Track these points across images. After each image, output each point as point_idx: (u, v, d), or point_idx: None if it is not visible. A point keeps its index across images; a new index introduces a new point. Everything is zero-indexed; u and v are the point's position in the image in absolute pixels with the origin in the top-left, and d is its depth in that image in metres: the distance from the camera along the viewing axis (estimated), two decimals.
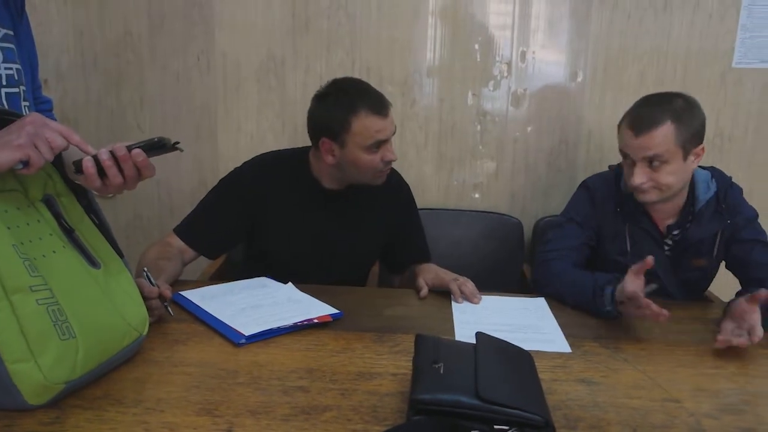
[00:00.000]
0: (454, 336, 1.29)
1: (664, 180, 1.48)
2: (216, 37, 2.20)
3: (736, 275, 1.59)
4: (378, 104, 1.51)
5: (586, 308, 1.43)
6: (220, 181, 1.67)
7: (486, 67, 2.19)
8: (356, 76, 2.17)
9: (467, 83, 2.20)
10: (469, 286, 1.51)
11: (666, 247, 1.60)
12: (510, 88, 2.20)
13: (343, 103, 1.51)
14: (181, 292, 1.41)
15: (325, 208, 1.65)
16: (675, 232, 1.59)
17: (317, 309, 1.33)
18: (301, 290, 1.46)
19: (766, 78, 2.14)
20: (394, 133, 1.56)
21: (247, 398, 1.00)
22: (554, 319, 1.40)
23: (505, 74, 2.19)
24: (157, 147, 1.03)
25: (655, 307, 1.24)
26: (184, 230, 1.61)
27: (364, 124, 1.49)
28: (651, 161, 1.46)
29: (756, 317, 1.23)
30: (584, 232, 1.64)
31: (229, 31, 2.19)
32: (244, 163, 1.69)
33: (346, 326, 1.30)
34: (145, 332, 1.11)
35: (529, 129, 2.23)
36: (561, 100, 2.20)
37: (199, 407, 0.96)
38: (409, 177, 2.25)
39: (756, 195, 2.18)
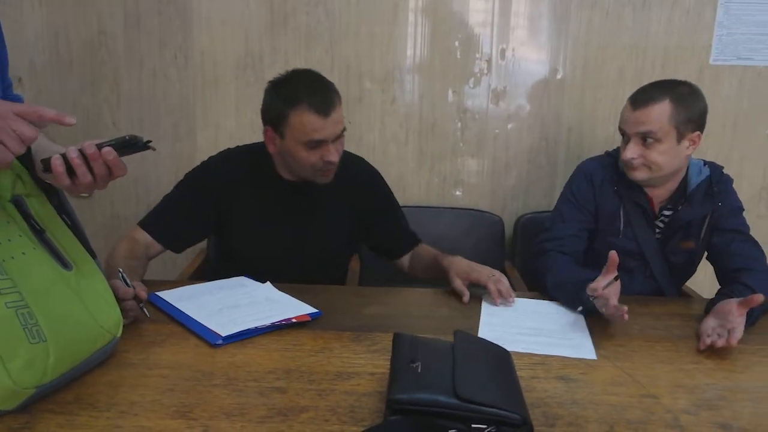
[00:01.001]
0: (435, 335, 1.28)
1: (654, 158, 1.50)
2: (193, 34, 2.17)
3: (714, 264, 1.61)
4: (320, 103, 1.44)
5: (568, 304, 1.44)
6: (185, 175, 1.65)
7: (466, 64, 2.18)
8: (335, 72, 2.18)
9: (447, 80, 2.20)
10: (505, 283, 1.48)
11: (657, 230, 1.62)
12: (490, 85, 2.20)
13: (286, 94, 1.48)
14: (158, 293, 1.39)
15: (288, 200, 1.63)
16: (666, 213, 1.61)
17: (295, 308, 1.32)
18: (279, 290, 1.45)
19: (742, 74, 2.16)
20: (340, 135, 1.51)
21: (222, 400, 0.98)
22: (586, 325, 1.35)
23: (485, 71, 2.19)
24: (129, 145, 1.01)
25: (612, 307, 1.26)
26: (150, 224, 1.58)
27: (302, 120, 1.45)
28: (645, 138, 1.49)
29: (741, 320, 1.24)
30: (582, 215, 1.65)
31: (206, 28, 2.17)
32: (210, 157, 1.68)
33: (324, 326, 1.28)
34: (118, 334, 1.09)
35: (509, 126, 2.23)
36: (541, 97, 2.20)
37: (173, 410, 0.95)
38: (389, 174, 2.24)
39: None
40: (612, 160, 1.67)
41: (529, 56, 2.18)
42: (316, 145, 1.48)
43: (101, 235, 2.28)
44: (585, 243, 1.65)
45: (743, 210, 1.61)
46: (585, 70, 2.17)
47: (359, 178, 1.71)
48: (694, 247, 1.62)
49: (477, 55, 2.17)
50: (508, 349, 1.08)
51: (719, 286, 1.51)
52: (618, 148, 1.63)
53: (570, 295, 1.43)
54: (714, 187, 1.59)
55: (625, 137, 1.54)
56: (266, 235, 1.63)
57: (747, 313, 1.26)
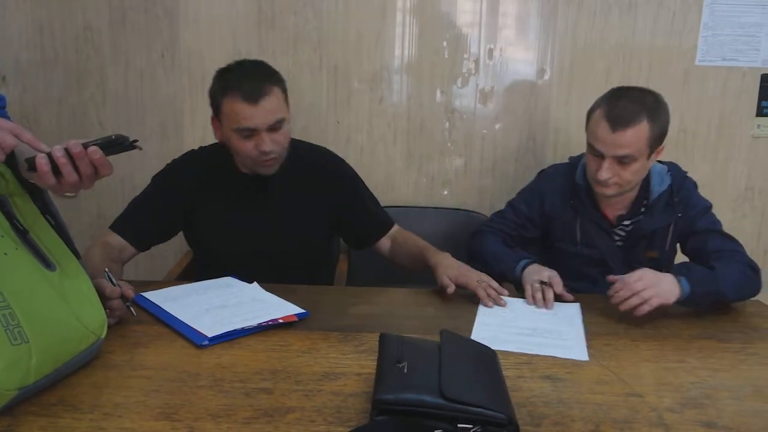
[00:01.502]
0: (422, 335, 1.28)
1: (627, 177, 1.50)
2: (180, 33, 2.16)
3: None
4: (249, 90, 1.45)
5: (498, 271, 1.54)
6: (152, 177, 1.68)
7: (454, 64, 2.19)
8: (323, 72, 2.18)
9: (435, 80, 2.20)
10: (494, 285, 1.48)
11: (617, 238, 1.63)
12: (478, 85, 2.20)
13: (222, 82, 1.51)
14: (143, 293, 1.38)
15: (251, 195, 1.63)
16: (626, 223, 1.62)
17: (282, 309, 1.32)
18: (267, 290, 1.44)
19: (727, 75, 2.18)
20: (275, 125, 1.50)
21: (208, 401, 0.98)
22: (582, 326, 1.35)
23: (473, 71, 2.19)
24: (115, 145, 1.00)
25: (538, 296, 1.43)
26: (121, 226, 1.60)
27: (232, 107, 1.47)
28: (621, 159, 1.47)
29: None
30: (521, 223, 1.69)
31: (193, 27, 2.15)
32: (175, 159, 1.70)
33: (311, 326, 1.28)
34: (103, 335, 1.08)
35: (497, 126, 2.23)
36: (528, 97, 2.21)
37: (158, 411, 0.94)
38: (377, 174, 2.25)
39: (718, 190, 2.23)
40: (571, 169, 1.66)
41: (517, 56, 2.18)
42: (249, 133, 1.49)
43: (87, 235, 2.25)
44: (515, 244, 1.69)
45: (711, 207, 1.62)
46: (572, 71, 2.18)
47: (324, 169, 1.71)
48: (658, 257, 1.63)
49: (465, 56, 2.18)
50: (502, 349, 1.09)
51: None
52: (581, 155, 1.64)
53: (507, 257, 1.55)
54: (675, 197, 1.59)
55: (596, 152, 1.50)
56: (233, 231, 1.63)
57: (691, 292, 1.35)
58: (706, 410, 1.01)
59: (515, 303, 1.47)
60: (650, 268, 1.62)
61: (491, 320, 1.37)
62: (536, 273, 1.49)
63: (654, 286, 1.33)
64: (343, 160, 1.77)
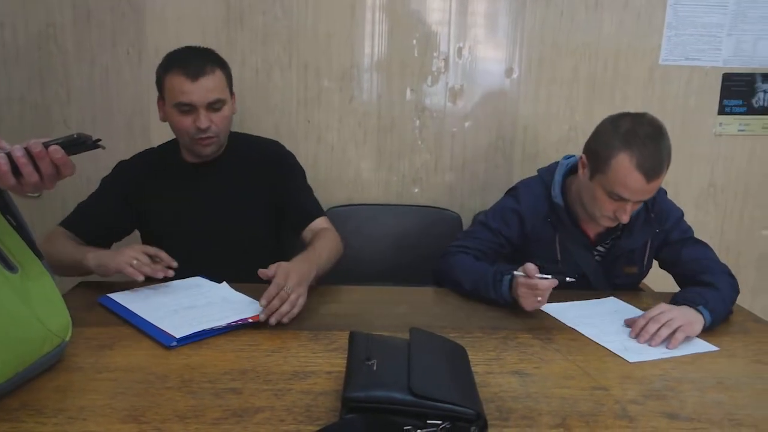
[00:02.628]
0: (393, 333, 1.28)
1: (633, 211, 1.49)
2: (146, 30, 2.13)
3: (670, 273, 1.62)
4: (189, 66, 1.53)
5: (484, 294, 1.46)
6: (101, 180, 1.73)
7: (424, 63, 2.19)
8: (293, 70, 2.17)
9: (405, 78, 2.20)
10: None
11: (596, 254, 1.62)
12: (448, 84, 2.21)
13: (166, 60, 1.60)
14: (109, 295, 1.36)
15: (196, 183, 1.67)
16: (607, 242, 1.61)
17: (252, 309, 1.31)
18: (237, 290, 1.43)
19: (689, 74, 2.23)
20: (214, 103, 1.55)
21: (176, 403, 0.97)
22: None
23: (443, 70, 2.20)
24: (77, 144, 0.98)
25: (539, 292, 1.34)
26: (72, 223, 1.63)
27: (172, 82, 1.54)
28: (641, 201, 1.46)
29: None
30: (497, 241, 1.62)
31: (160, 24, 2.12)
32: (122, 160, 1.75)
33: (281, 325, 1.27)
34: (67, 338, 1.06)
35: (466, 124, 2.25)
36: (497, 96, 2.23)
37: (124, 414, 0.93)
38: (348, 172, 2.25)
39: (681, 189, 2.28)
40: (545, 187, 1.62)
41: (486, 55, 2.20)
42: (188, 109, 1.54)
43: None
44: (488, 262, 1.61)
45: (683, 215, 1.63)
46: (540, 69, 2.21)
47: (264, 154, 1.74)
48: (637, 272, 1.64)
49: (435, 54, 2.19)
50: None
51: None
52: (551, 168, 1.64)
53: (486, 282, 1.45)
54: (651, 213, 1.58)
55: (618, 198, 1.43)
56: (181, 222, 1.65)
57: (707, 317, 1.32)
58: (669, 402, 1.04)
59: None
60: (629, 282, 1.65)
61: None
62: (519, 296, 1.40)
63: (681, 316, 1.28)
64: (283, 147, 1.79)
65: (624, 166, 1.39)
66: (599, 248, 1.62)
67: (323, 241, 1.57)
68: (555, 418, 0.97)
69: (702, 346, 1.27)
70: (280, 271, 1.29)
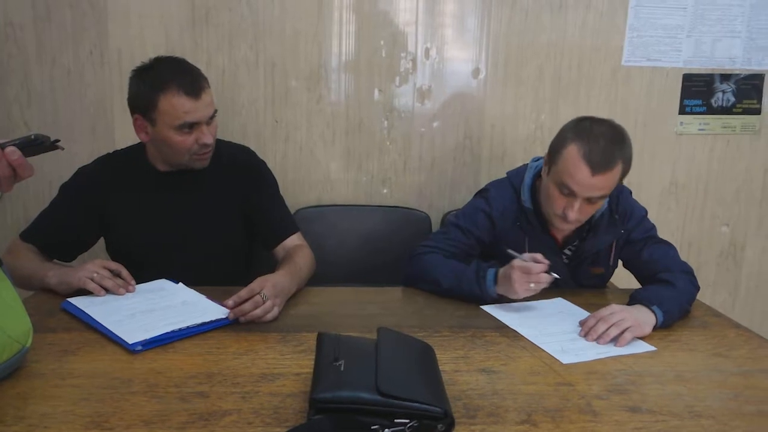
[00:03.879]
0: (361, 334, 1.29)
1: (591, 212, 1.50)
2: (109, 30, 2.09)
3: (632, 272, 1.65)
4: (188, 84, 1.47)
5: (467, 291, 1.46)
6: (60, 186, 1.65)
7: (392, 63, 2.20)
8: (260, 70, 2.15)
9: (373, 79, 2.21)
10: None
11: (564, 257, 1.64)
12: (416, 84, 2.22)
13: (153, 80, 1.49)
14: (70, 299, 1.33)
15: (167, 192, 1.61)
16: (574, 244, 1.62)
17: (214, 311, 1.29)
18: (204, 291, 1.41)
19: (651, 75, 2.28)
20: (212, 116, 1.54)
21: (141, 408, 0.95)
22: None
23: (411, 70, 2.21)
24: (34, 145, 0.96)
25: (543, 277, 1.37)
26: (33, 235, 1.57)
27: (172, 103, 1.46)
28: (591, 198, 1.45)
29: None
30: (467, 242, 1.62)
31: (123, 23, 2.09)
32: (85, 164, 1.68)
33: (249, 327, 1.27)
34: (28, 344, 1.04)
35: (435, 124, 2.26)
36: (464, 96, 2.25)
37: (87, 420, 0.91)
38: (317, 173, 2.25)
39: (644, 187, 2.33)
40: (515, 191, 1.63)
41: (453, 55, 2.21)
42: (190, 128, 1.49)
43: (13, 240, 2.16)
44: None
45: (646, 213, 1.65)
46: (506, 69, 2.23)
47: (242, 168, 1.69)
48: (603, 272, 1.66)
49: (403, 54, 2.19)
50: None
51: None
52: (519, 171, 1.65)
53: (468, 279, 1.46)
54: (615, 215, 1.59)
55: (567, 192, 1.44)
56: (149, 230, 1.60)
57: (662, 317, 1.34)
58: (631, 396, 1.06)
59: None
60: (596, 283, 1.67)
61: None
62: (511, 279, 1.41)
63: (630, 317, 1.30)
64: (255, 155, 1.76)
65: (572, 155, 1.42)
66: (566, 251, 1.64)
67: (304, 259, 1.57)
68: (521, 414, 0.98)
69: (641, 346, 1.27)
70: (258, 279, 1.30)
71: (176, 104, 1.46)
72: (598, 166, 1.40)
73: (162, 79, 1.48)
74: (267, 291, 1.28)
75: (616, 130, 1.46)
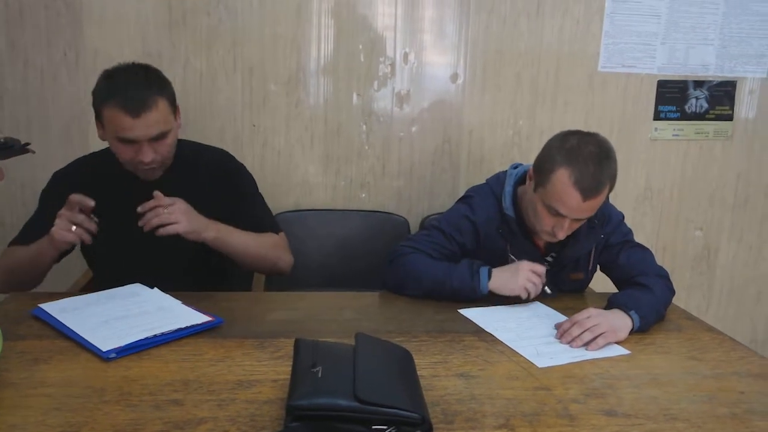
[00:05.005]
0: (340, 339, 1.28)
1: (576, 227, 1.50)
2: (84, 31, 2.06)
3: (608, 276, 1.66)
4: (130, 102, 1.42)
5: (457, 285, 1.46)
6: (41, 193, 1.65)
7: (370, 68, 2.20)
8: (238, 74, 2.14)
9: (352, 83, 2.21)
10: None
11: (546, 264, 1.63)
12: (394, 89, 2.23)
13: (104, 87, 1.48)
14: (41, 305, 1.30)
15: (139, 196, 1.54)
16: (556, 250, 1.63)
17: (189, 317, 1.27)
18: (181, 297, 1.39)
19: (626, 81, 2.31)
20: (158, 136, 1.47)
21: (114, 417, 0.94)
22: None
23: (389, 75, 2.21)
24: (4, 148, 0.94)
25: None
26: (20, 242, 1.55)
27: (111, 116, 1.44)
28: (580, 219, 1.46)
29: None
30: (449, 247, 1.61)
31: (98, 25, 2.06)
32: (60, 168, 1.67)
33: (226, 334, 1.26)
34: None
35: (413, 129, 2.27)
36: (443, 101, 2.26)
37: (59, 431, 0.89)
38: (295, 177, 2.24)
39: (620, 192, 2.31)
40: (496, 199, 1.62)
41: (432, 60, 2.22)
42: (129, 142, 1.47)
43: None
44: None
45: (623, 217, 1.66)
46: (484, 75, 2.24)
47: (209, 164, 1.67)
48: (583, 277, 1.67)
49: (381, 59, 2.20)
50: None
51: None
52: (498, 178, 1.65)
53: (461, 269, 1.48)
54: (595, 220, 1.58)
55: (555, 213, 1.44)
56: (123, 234, 1.55)
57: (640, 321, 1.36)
58: (608, 399, 1.07)
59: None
60: (575, 288, 1.67)
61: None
62: (518, 270, 1.47)
63: (605, 322, 1.31)
64: (229, 156, 1.74)
65: (562, 181, 1.40)
66: (548, 258, 1.65)
67: (262, 237, 1.61)
68: (499, 419, 0.99)
69: (615, 350, 1.28)
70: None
71: (114, 118, 1.43)
72: (589, 192, 1.39)
73: (108, 90, 1.46)
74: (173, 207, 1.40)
75: (603, 147, 1.44)
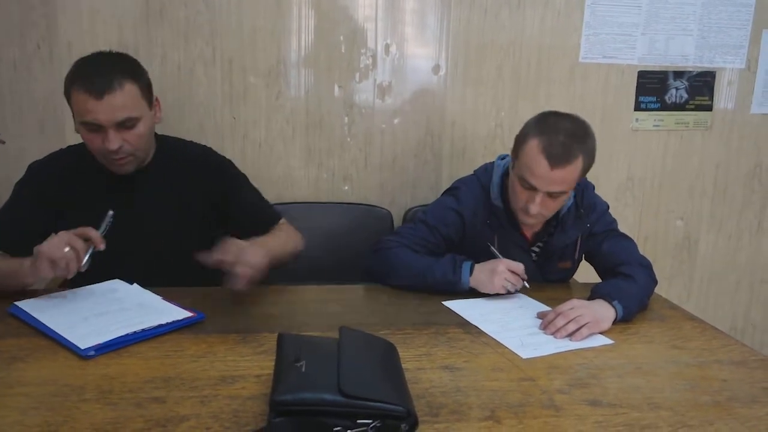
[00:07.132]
0: (323, 333, 1.27)
1: (555, 208, 1.50)
2: (58, 24, 2.02)
3: (592, 265, 1.67)
4: (93, 83, 1.38)
5: (439, 277, 1.47)
6: (15, 184, 1.58)
7: (352, 59, 2.18)
8: (217, 66, 2.11)
9: (333, 75, 2.18)
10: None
11: (533, 255, 1.65)
12: (376, 81, 2.21)
13: (72, 72, 1.45)
14: (17, 303, 1.27)
15: (116, 192, 1.55)
16: (543, 240, 1.63)
17: (170, 313, 1.26)
18: (161, 293, 1.37)
19: (606, 72, 2.31)
20: (124, 122, 1.43)
21: (94, 416, 0.92)
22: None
23: (371, 66, 2.20)
24: None
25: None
26: None
27: (77, 99, 1.41)
28: (553, 193, 1.45)
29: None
30: (434, 240, 1.61)
31: (73, 17, 2.02)
32: (37, 160, 1.62)
33: (208, 329, 1.24)
34: None
35: (395, 121, 2.26)
36: (425, 93, 2.25)
37: (37, 430, 0.88)
38: (277, 170, 2.22)
39: (602, 182, 2.35)
40: (483, 189, 1.63)
41: (413, 52, 2.21)
42: (95, 128, 1.42)
43: None
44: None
45: (608, 207, 1.68)
46: (466, 67, 2.24)
47: (191, 161, 1.64)
48: (570, 266, 1.68)
49: (362, 50, 2.18)
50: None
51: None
52: (486, 168, 1.66)
53: (443, 264, 1.48)
54: (581, 209, 1.60)
55: (528, 186, 1.45)
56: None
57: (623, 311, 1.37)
58: (592, 389, 1.07)
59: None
60: (562, 277, 1.69)
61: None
62: (495, 271, 1.47)
63: (589, 313, 1.31)
64: (212, 151, 1.71)
65: (532, 149, 1.43)
66: (535, 248, 1.65)
67: (271, 235, 1.59)
68: (484, 411, 0.98)
69: (599, 340, 1.29)
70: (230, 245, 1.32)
71: (79, 101, 1.40)
72: (557, 159, 1.40)
73: (76, 72, 1.43)
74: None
75: (578, 124, 1.47)
